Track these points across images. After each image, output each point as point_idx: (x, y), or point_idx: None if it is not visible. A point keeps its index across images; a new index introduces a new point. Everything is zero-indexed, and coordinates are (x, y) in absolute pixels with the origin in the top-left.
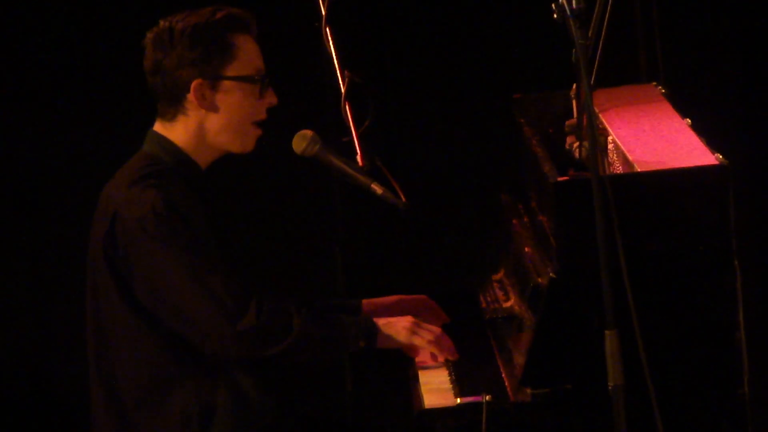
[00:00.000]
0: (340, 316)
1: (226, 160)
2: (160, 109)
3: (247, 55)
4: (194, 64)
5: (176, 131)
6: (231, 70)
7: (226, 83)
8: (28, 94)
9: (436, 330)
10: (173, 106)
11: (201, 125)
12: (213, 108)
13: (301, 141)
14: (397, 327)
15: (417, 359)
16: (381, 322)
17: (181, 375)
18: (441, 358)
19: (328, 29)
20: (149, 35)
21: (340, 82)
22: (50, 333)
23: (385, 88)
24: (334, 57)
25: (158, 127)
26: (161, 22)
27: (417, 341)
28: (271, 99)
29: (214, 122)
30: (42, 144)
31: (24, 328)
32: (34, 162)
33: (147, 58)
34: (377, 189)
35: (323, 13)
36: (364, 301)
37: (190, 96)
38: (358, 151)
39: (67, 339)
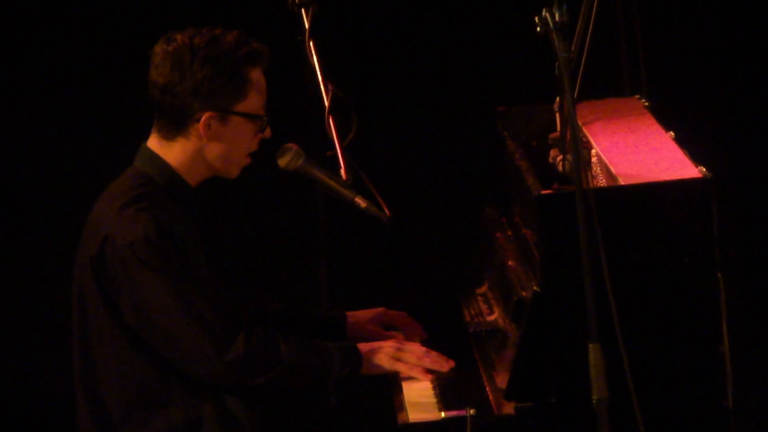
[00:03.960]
0: (325, 343)
1: (218, 177)
2: (159, 124)
3: (258, 93)
4: (209, 96)
5: (173, 151)
6: (241, 107)
7: (235, 118)
8: (20, 103)
9: (419, 351)
10: (175, 127)
11: (199, 151)
12: (216, 138)
13: (285, 155)
14: (380, 354)
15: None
16: (365, 348)
17: (167, 392)
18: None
19: (311, 43)
20: (166, 47)
21: (324, 95)
22: (38, 344)
23: (369, 102)
24: (318, 70)
25: (153, 143)
26: (179, 37)
27: (399, 367)
28: (266, 133)
29: (213, 151)
30: (32, 150)
31: (12, 337)
32: (25, 168)
33: (159, 73)
34: (361, 202)
35: (306, 26)
36: (348, 314)
37: (197, 125)
38: (342, 165)
39: (53, 350)
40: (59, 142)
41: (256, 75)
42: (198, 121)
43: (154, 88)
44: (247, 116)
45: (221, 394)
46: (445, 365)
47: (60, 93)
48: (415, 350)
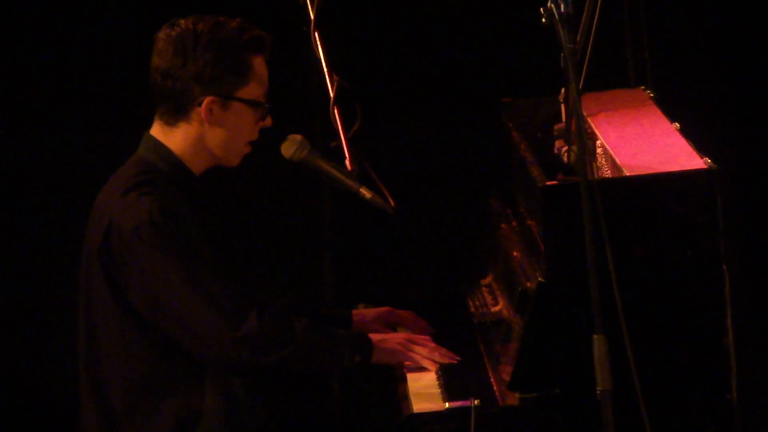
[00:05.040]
0: (336, 329)
1: (219, 165)
2: (161, 110)
3: (260, 80)
4: (212, 81)
5: (175, 138)
6: (243, 93)
7: (236, 104)
8: (22, 94)
9: (429, 343)
10: (177, 112)
11: (201, 137)
12: (217, 124)
13: (290, 145)
14: (391, 343)
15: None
16: (375, 338)
17: (172, 382)
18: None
19: (316, 33)
20: (169, 32)
21: (329, 86)
22: (41, 337)
23: (374, 93)
24: (323, 61)
25: (156, 130)
26: (182, 23)
27: (412, 356)
28: (267, 121)
29: (214, 137)
30: (36, 145)
31: (15, 331)
32: (28, 163)
33: (162, 58)
34: (366, 193)
35: (312, 17)
36: (354, 311)
37: (199, 109)
38: (347, 156)
39: (57, 343)
40: (62, 134)
41: (259, 62)
42: (200, 105)
43: (157, 73)
44: (249, 103)
45: (227, 384)
46: (455, 357)
47: (64, 83)
48: (425, 342)
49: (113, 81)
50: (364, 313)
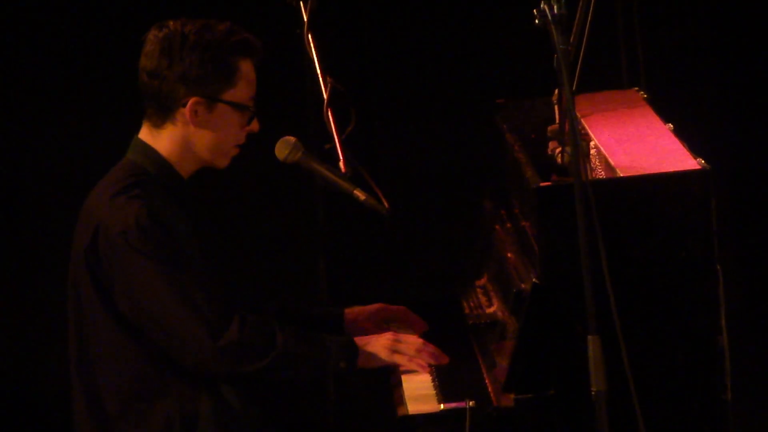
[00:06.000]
0: (321, 335)
1: (208, 167)
2: (148, 113)
3: (247, 83)
4: (197, 82)
5: (162, 140)
6: (229, 95)
7: (222, 106)
8: (11, 97)
9: (417, 343)
10: (163, 113)
11: (187, 138)
12: (202, 125)
13: (284, 148)
14: (377, 347)
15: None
16: (361, 342)
17: (164, 384)
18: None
19: (310, 35)
20: (157, 33)
21: (323, 88)
22: (32, 340)
23: (368, 95)
24: (316, 63)
25: (144, 133)
26: (171, 24)
27: (398, 359)
28: (254, 126)
29: (200, 139)
30: (26, 148)
31: (6, 333)
32: (18, 166)
33: (149, 58)
34: (360, 195)
35: (305, 19)
36: (347, 310)
37: (184, 110)
38: (341, 158)
39: (49, 345)
40: (52, 137)
41: (246, 66)
42: (184, 106)
43: (143, 73)
44: (234, 105)
45: (218, 386)
46: (444, 359)
47: (53, 87)
48: (412, 342)
49: (103, 84)
50: (357, 311)
